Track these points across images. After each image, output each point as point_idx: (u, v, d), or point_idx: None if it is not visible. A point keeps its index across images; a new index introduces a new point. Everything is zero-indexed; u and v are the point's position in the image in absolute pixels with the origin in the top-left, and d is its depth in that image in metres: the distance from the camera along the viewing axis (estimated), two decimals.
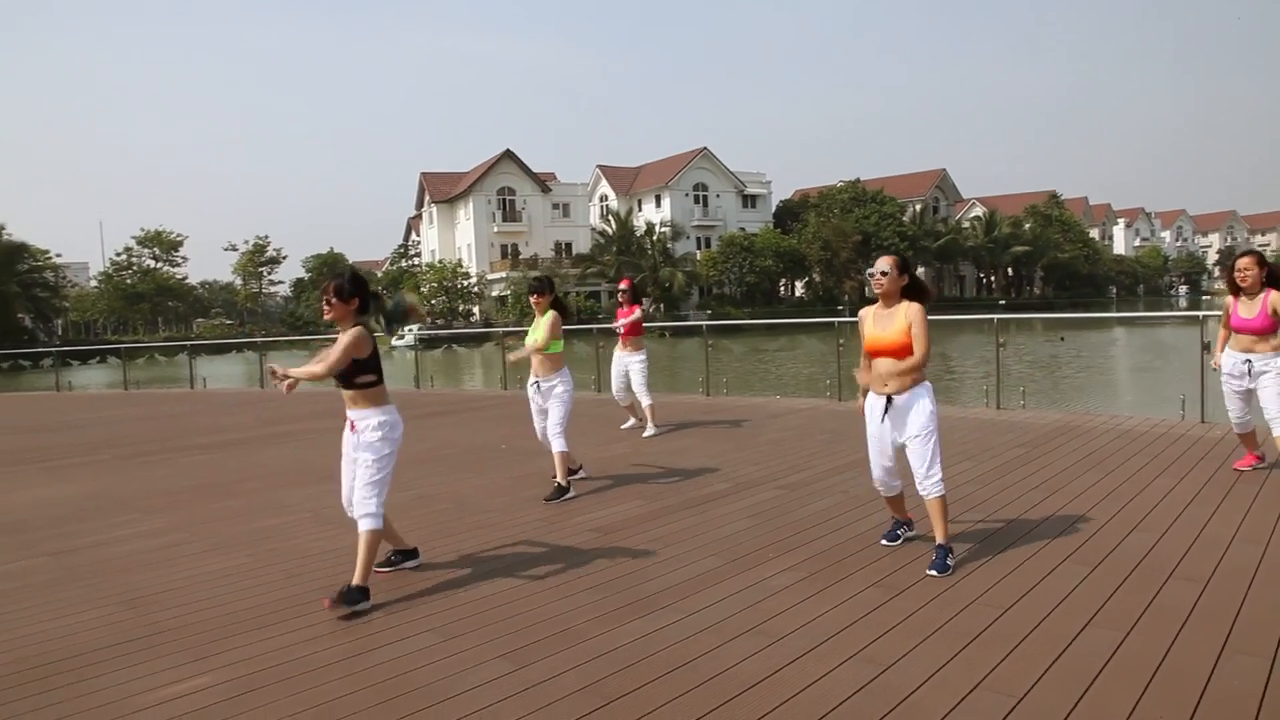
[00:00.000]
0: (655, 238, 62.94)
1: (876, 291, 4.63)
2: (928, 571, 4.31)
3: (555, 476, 6.45)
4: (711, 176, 70.91)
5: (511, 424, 10.08)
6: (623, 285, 9.42)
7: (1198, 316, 9.04)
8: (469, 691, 3.19)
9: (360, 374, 4.41)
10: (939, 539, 4.44)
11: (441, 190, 70.27)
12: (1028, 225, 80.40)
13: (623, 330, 9.26)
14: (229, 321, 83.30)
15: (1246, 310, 5.81)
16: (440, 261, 65.47)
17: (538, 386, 6.70)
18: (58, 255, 69.51)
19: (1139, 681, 3.04)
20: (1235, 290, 5.87)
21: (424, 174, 72.44)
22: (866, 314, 4.67)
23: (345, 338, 4.31)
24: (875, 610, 3.83)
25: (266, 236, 76.93)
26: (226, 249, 76.24)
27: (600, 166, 73.80)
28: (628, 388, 9.33)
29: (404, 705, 3.11)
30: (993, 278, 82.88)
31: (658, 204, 69.67)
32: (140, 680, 3.44)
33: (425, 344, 46.19)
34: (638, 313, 9.34)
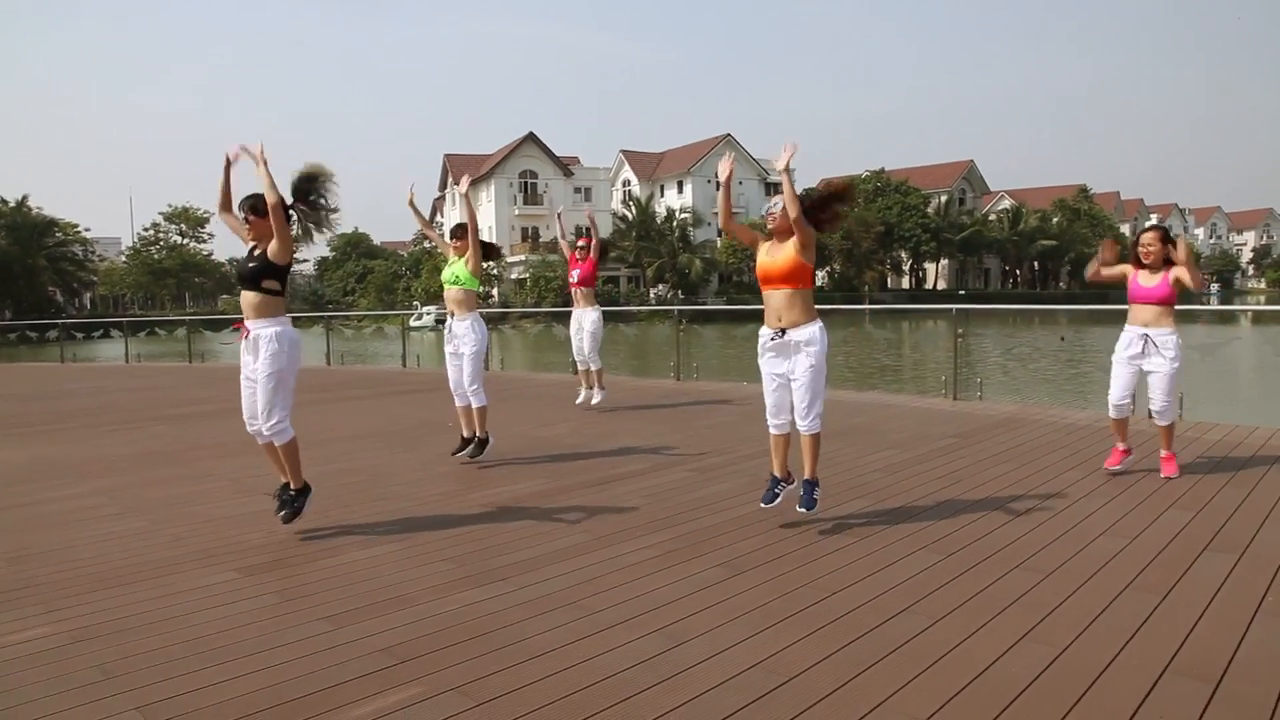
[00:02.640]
0: (675, 224, 62.91)
1: (770, 227, 4.77)
2: (797, 509, 4.69)
3: (475, 433, 6.72)
4: (735, 164, 70.52)
5: None
6: (581, 242, 9.59)
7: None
8: (278, 648, 3.31)
9: (270, 278, 4.67)
10: (808, 474, 4.75)
11: (464, 172, 70.50)
12: (1055, 219, 79.30)
13: (576, 280, 9.41)
14: None
15: (1148, 280, 5.87)
16: None
17: (450, 328, 6.85)
18: (87, 230, 70.81)
19: (919, 666, 3.08)
20: (1139, 264, 5.92)
21: (447, 155, 72.82)
22: (762, 247, 4.85)
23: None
24: (706, 589, 3.90)
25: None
26: None
27: (623, 151, 73.74)
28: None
29: (210, 658, 3.23)
30: (1018, 271, 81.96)
31: (680, 190, 69.58)
32: None
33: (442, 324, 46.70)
34: (592, 258, 9.44)
